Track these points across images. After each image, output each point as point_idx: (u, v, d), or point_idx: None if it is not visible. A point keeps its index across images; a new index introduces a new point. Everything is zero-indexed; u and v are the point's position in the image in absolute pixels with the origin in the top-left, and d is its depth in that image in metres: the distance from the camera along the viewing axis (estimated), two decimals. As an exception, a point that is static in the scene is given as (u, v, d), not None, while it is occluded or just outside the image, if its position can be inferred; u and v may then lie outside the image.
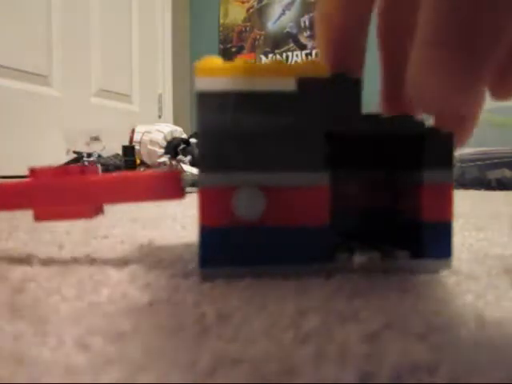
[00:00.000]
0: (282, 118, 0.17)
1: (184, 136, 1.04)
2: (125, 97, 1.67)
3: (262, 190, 0.17)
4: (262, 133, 0.17)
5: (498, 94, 0.17)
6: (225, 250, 0.17)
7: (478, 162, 0.96)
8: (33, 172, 0.20)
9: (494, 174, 0.95)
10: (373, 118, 0.16)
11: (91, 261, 0.20)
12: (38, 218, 0.20)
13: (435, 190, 0.18)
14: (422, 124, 0.18)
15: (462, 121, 0.18)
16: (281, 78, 0.17)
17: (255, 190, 0.17)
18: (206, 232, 0.17)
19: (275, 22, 1.81)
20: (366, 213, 0.21)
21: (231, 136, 0.17)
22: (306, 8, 1.73)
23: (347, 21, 0.18)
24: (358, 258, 0.18)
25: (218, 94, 0.17)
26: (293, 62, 1.71)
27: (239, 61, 0.17)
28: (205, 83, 0.17)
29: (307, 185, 0.17)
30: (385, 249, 0.19)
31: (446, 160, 0.18)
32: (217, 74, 0.17)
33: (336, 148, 0.19)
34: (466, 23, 0.13)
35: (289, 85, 0.17)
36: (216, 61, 0.17)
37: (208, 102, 0.17)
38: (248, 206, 0.17)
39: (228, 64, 0.17)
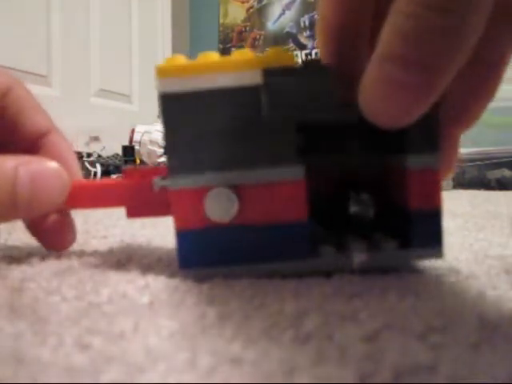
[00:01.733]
0: (249, 113, 0.17)
1: (184, 136, 1.04)
2: (124, 97, 1.67)
3: (234, 189, 0.17)
4: (230, 130, 0.17)
5: (460, 124, 0.18)
6: (202, 251, 0.17)
7: (478, 162, 0.96)
8: (125, 172, 0.20)
9: (493, 174, 0.95)
10: (347, 105, 0.16)
11: (91, 261, 0.20)
12: (131, 215, 0.20)
13: (420, 175, 0.17)
14: None
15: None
16: (245, 71, 0.16)
17: (226, 192, 0.17)
18: (181, 234, 0.17)
19: (275, 22, 1.80)
20: (353, 201, 0.21)
21: (198, 136, 0.17)
22: (306, 8, 1.73)
23: (343, 21, 0.18)
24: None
25: (180, 95, 0.17)
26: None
27: (201, 57, 0.17)
28: (167, 84, 0.17)
29: (281, 180, 0.17)
30: (373, 239, 0.18)
31: (431, 143, 0.17)
32: (178, 74, 0.16)
33: (315, 136, 0.19)
34: (428, 42, 0.13)
35: (254, 78, 0.16)
36: (178, 60, 0.17)
37: (171, 104, 0.17)
38: (219, 208, 0.17)
39: (189, 63, 0.17)
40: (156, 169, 0.20)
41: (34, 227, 0.22)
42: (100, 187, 0.21)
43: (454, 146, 0.19)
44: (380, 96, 0.14)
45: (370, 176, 0.20)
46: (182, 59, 0.17)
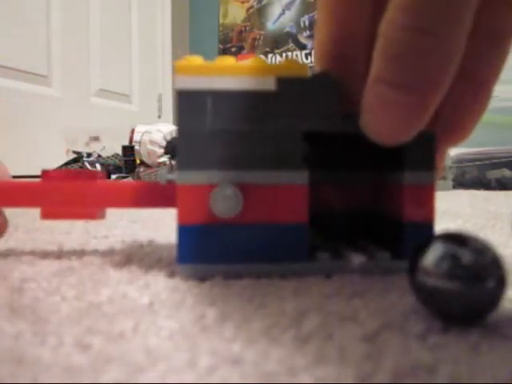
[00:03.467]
0: (260, 117, 0.17)
1: (184, 136, 1.04)
2: (124, 97, 1.67)
3: (240, 188, 0.17)
4: (240, 131, 0.17)
5: (451, 140, 0.19)
6: (202, 248, 0.17)
7: (478, 162, 0.96)
8: (46, 174, 0.20)
9: (493, 174, 0.95)
10: (353, 117, 0.16)
11: (91, 261, 0.20)
12: (45, 216, 0.20)
13: (416, 191, 0.18)
14: None
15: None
16: (260, 77, 0.17)
17: (232, 188, 0.17)
18: (183, 229, 0.17)
19: (275, 22, 1.80)
20: (350, 213, 0.21)
21: (210, 134, 0.17)
22: (306, 8, 1.73)
23: (342, 43, 0.18)
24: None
25: (197, 93, 0.17)
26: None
27: (220, 60, 0.18)
28: (184, 82, 0.17)
29: (285, 183, 0.17)
30: (367, 249, 0.19)
31: (428, 161, 0.18)
32: (196, 72, 0.17)
33: (318, 148, 0.19)
34: (415, 67, 0.14)
35: (267, 84, 0.17)
36: (196, 60, 0.17)
37: (187, 101, 0.17)
38: (224, 202, 0.17)
39: (208, 63, 0.17)
40: (78, 172, 0.20)
41: None
42: (17, 187, 0.21)
43: (441, 160, 0.19)
44: (375, 116, 0.15)
45: (364, 189, 0.21)
46: (199, 59, 0.18)
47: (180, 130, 0.17)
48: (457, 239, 0.12)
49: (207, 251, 0.17)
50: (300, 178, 0.17)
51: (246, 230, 0.17)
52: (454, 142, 0.19)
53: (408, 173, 0.18)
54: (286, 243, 0.17)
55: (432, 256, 0.12)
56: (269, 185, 0.17)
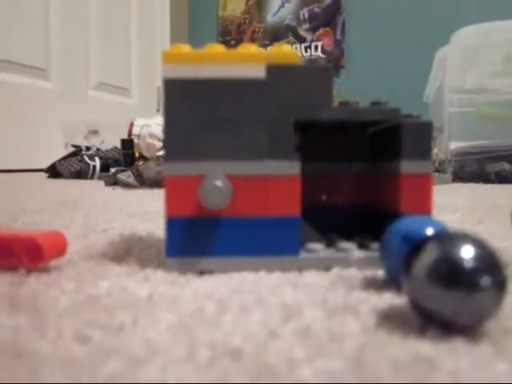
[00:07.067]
0: (250, 106, 0.17)
1: (183, 129, 1.03)
2: (123, 90, 1.67)
3: (229, 180, 0.17)
4: (230, 120, 0.17)
5: None
6: (191, 241, 0.17)
7: (477, 156, 0.96)
8: None
9: (492, 168, 0.95)
10: (345, 106, 0.16)
11: (90, 254, 0.20)
12: None
13: (412, 180, 0.18)
14: (397, 111, 0.17)
15: None
16: (249, 64, 0.17)
17: (221, 179, 0.17)
18: (172, 222, 0.17)
19: (274, 15, 1.80)
20: (346, 206, 0.21)
21: (198, 124, 0.17)
22: (306, 1, 1.72)
23: None
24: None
25: (185, 82, 0.17)
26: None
27: (208, 48, 0.17)
28: (172, 70, 0.17)
29: (276, 174, 0.17)
30: (361, 240, 0.18)
31: (423, 150, 0.18)
32: (184, 61, 0.17)
33: (310, 140, 0.19)
34: None
35: (258, 72, 0.17)
36: (184, 48, 0.17)
37: (175, 90, 0.17)
38: (213, 195, 0.17)
39: (196, 51, 0.17)
40: None
41: None
42: None
43: None
44: None
45: (360, 181, 0.21)
46: (187, 47, 0.17)
47: (167, 120, 0.17)
48: (453, 241, 0.11)
49: (196, 244, 0.17)
50: (291, 168, 0.17)
51: (236, 223, 0.17)
52: None
53: (404, 162, 0.17)
54: (277, 235, 0.17)
55: (426, 261, 0.11)
56: (259, 176, 0.17)
